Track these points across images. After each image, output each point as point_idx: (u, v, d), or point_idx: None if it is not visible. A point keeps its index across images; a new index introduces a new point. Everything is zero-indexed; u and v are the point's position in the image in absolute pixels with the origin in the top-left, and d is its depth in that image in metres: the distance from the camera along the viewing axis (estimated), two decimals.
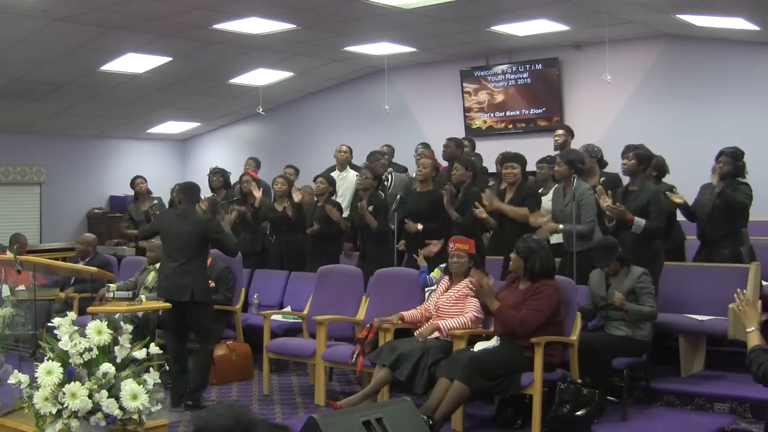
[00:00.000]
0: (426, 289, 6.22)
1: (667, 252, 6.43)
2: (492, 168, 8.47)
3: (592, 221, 6.22)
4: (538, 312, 5.22)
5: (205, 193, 9.00)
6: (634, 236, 6.03)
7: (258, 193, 8.24)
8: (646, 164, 6.32)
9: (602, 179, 6.92)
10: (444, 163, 8.28)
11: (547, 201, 6.81)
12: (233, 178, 9.34)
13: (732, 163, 6.45)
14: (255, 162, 9.76)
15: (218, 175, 8.99)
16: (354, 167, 8.90)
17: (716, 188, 6.38)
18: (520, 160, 6.67)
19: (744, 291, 3.96)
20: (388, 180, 8.32)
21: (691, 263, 6.67)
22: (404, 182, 8.31)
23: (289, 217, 7.92)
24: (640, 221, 6.00)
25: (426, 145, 8.84)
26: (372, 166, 7.89)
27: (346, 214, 8.15)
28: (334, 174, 8.65)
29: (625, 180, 6.64)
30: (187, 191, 6.54)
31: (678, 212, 6.78)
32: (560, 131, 8.26)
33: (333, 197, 8.02)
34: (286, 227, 8.07)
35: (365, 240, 7.52)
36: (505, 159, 6.79)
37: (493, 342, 5.38)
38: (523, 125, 10.65)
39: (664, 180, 6.86)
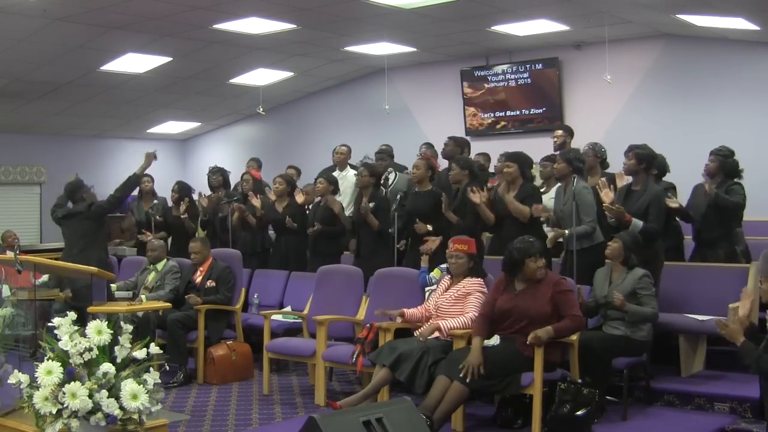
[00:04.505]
0: (426, 288, 6.20)
1: (666, 250, 6.41)
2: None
3: (593, 220, 6.21)
4: (577, 305, 5.31)
5: (203, 191, 9.02)
6: None
7: (257, 202, 8.18)
8: (647, 164, 6.29)
9: (602, 179, 6.92)
10: (445, 163, 8.25)
11: (548, 199, 6.81)
12: (234, 178, 9.34)
13: (719, 161, 6.54)
14: (257, 163, 9.76)
15: (217, 174, 9.01)
16: (353, 167, 8.90)
17: (708, 192, 6.42)
18: (518, 159, 6.53)
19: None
20: (390, 179, 8.31)
21: (691, 263, 6.67)
22: (407, 181, 8.29)
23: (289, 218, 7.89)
24: (637, 223, 5.98)
25: (429, 145, 8.78)
26: (370, 164, 7.85)
27: (348, 212, 8.14)
28: (334, 174, 8.63)
29: (622, 181, 6.64)
30: (68, 191, 7.69)
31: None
32: (559, 131, 8.25)
33: (336, 196, 7.99)
34: (287, 227, 8.05)
35: (361, 238, 7.49)
36: (502, 157, 6.77)
37: (494, 341, 5.37)
38: (523, 125, 10.65)
39: (664, 179, 6.86)
